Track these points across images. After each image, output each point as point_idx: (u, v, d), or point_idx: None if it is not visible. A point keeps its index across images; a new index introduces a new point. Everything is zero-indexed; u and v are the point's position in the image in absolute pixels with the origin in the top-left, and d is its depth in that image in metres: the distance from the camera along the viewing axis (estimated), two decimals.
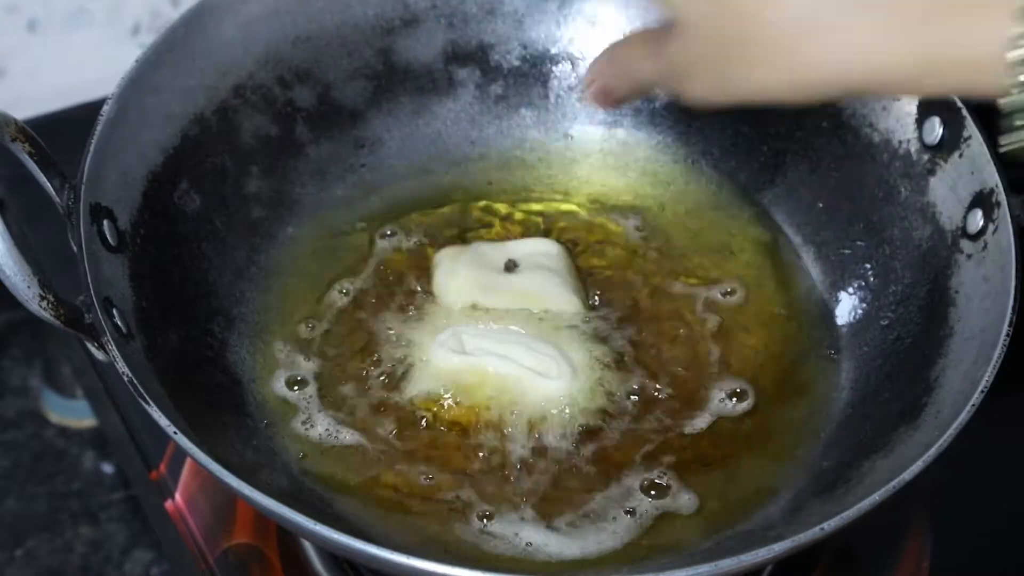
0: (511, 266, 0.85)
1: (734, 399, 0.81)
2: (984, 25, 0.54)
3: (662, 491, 0.76)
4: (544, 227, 0.89)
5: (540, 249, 0.86)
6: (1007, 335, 0.71)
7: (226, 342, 0.82)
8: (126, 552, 1.00)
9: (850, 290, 0.85)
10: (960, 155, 0.79)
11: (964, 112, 0.79)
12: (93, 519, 1.01)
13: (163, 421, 0.67)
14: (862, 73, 0.57)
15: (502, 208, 0.90)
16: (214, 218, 0.84)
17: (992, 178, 0.77)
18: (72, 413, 1.07)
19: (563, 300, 0.83)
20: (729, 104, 0.62)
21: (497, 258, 0.85)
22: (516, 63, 0.93)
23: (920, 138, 0.82)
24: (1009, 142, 0.57)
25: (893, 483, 0.66)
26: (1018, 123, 0.57)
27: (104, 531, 1.01)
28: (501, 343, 0.80)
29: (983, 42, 0.54)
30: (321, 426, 0.78)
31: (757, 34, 0.57)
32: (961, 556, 0.85)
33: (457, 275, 0.84)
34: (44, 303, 0.68)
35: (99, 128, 0.76)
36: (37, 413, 1.07)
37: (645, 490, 0.76)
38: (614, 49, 0.71)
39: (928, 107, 0.81)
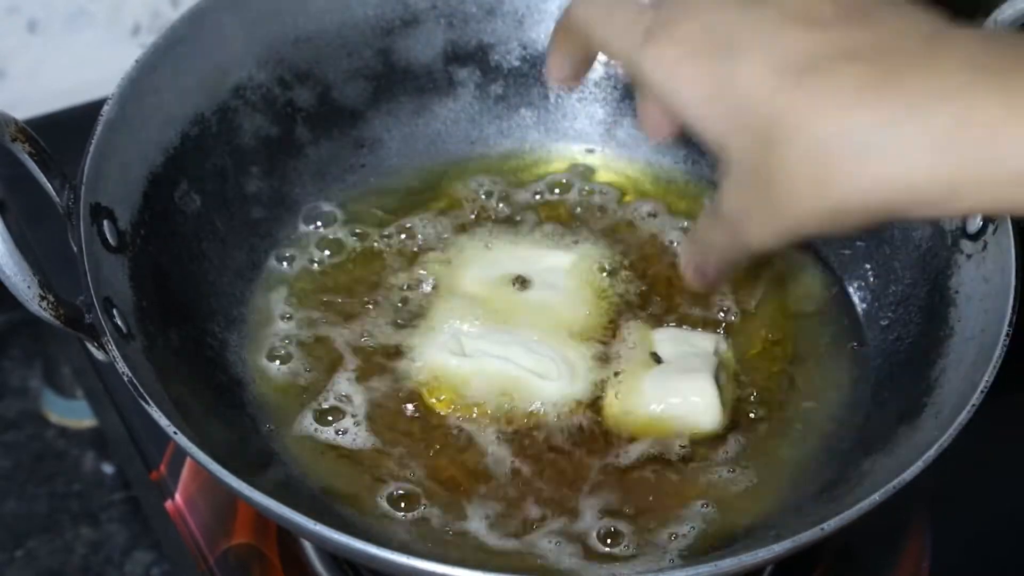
0: (523, 282, 0.85)
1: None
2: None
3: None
4: (544, 225, 0.89)
5: (555, 264, 0.86)
6: (1007, 335, 0.71)
7: (226, 342, 0.82)
8: (126, 553, 1.00)
9: (850, 290, 0.85)
10: None
11: None
12: (93, 520, 1.01)
13: (163, 421, 0.67)
14: (901, 191, 0.54)
15: (502, 208, 0.90)
16: (214, 218, 0.84)
17: None
18: (72, 413, 1.07)
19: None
20: (792, 240, 0.59)
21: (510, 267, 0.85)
22: (516, 63, 0.93)
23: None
24: None
25: (893, 483, 0.66)
26: None
27: (104, 532, 1.01)
28: (500, 344, 0.80)
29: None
30: (321, 426, 0.78)
31: (796, 161, 0.55)
32: (961, 556, 0.85)
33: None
34: (44, 303, 0.68)
35: (99, 128, 0.76)
36: (37, 414, 1.07)
37: None
38: (692, 234, 0.69)
39: None
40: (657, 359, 0.80)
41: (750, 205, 0.59)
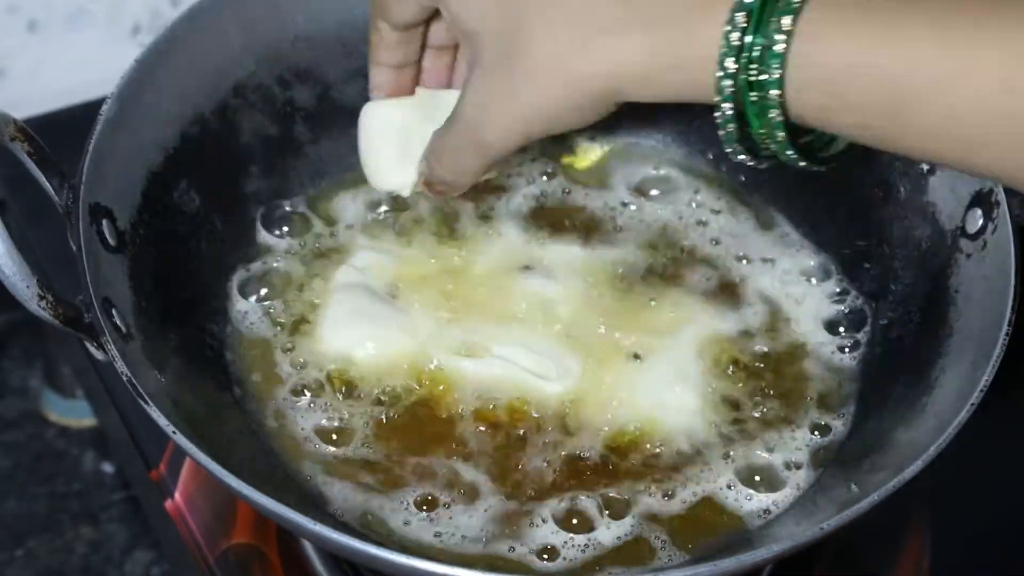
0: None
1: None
2: (702, 29, 0.61)
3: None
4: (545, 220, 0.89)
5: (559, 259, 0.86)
6: (1006, 335, 0.71)
7: (225, 342, 0.82)
8: (126, 552, 1.00)
9: (850, 290, 0.85)
10: None
11: None
12: (93, 519, 1.02)
13: (162, 421, 0.67)
14: (620, 78, 0.64)
15: (503, 202, 0.90)
16: (214, 218, 0.84)
17: None
18: (72, 413, 1.07)
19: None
20: (529, 135, 0.68)
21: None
22: None
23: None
24: (730, 151, 0.64)
25: (893, 483, 0.65)
26: (729, 128, 0.63)
27: (104, 531, 1.01)
28: (501, 344, 0.80)
29: (701, 44, 0.61)
30: (320, 426, 0.78)
31: (540, 40, 0.65)
32: (961, 555, 0.85)
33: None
34: (43, 303, 0.68)
35: (99, 128, 0.76)
36: (37, 413, 1.07)
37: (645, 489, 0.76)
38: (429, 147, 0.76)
39: None
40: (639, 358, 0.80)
41: (492, 93, 0.67)
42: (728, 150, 0.65)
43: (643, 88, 0.65)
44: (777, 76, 0.60)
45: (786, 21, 0.59)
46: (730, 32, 0.60)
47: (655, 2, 0.63)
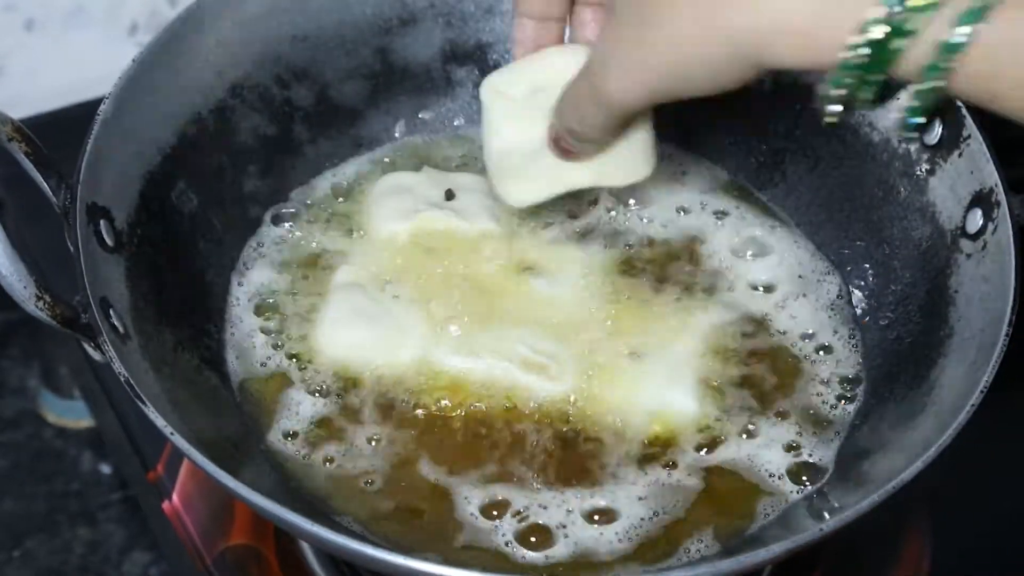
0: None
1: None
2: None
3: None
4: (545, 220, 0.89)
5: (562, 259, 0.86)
6: (1007, 334, 0.70)
7: (223, 342, 0.81)
8: (124, 553, 1.00)
9: (850, 289, 0.85)
10: (959, 154, 0.79)
11: (964, 111, 0.78)
12: (91, 520, 1.01)
13: (159, 421, 0.66)
14: (774, 35, 0.59)
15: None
16: (211, 218, 0.84)
17: (991, 177, 0.77)
18: (70, 413, 1.07)
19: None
20: (654, 92, 0.63)
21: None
22: None
23: (920, 137, 0.81)
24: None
25: (893, 483, 0.65)
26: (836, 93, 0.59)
27: (102, 531, 1.01)
28: (499, 344, 0.80)
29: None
30: (318, 426, 0.78)
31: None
32: (961, 556, 0.85)
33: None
34: (41, 303, 0.68)
35: (96, 128, 0.76)
36: (35, 414, 1.07)
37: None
38: (558, 104, 0.72)
39: None
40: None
41: (619, 38, 0.62)
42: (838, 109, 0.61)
43: (800, 51, 0.59)
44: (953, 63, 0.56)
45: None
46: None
47: None
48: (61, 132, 0.76)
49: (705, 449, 0.77)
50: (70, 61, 1.11)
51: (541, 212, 0.86)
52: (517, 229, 0.86)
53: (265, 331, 0.82)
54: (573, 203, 0.87)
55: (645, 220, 0.89)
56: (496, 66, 0.92)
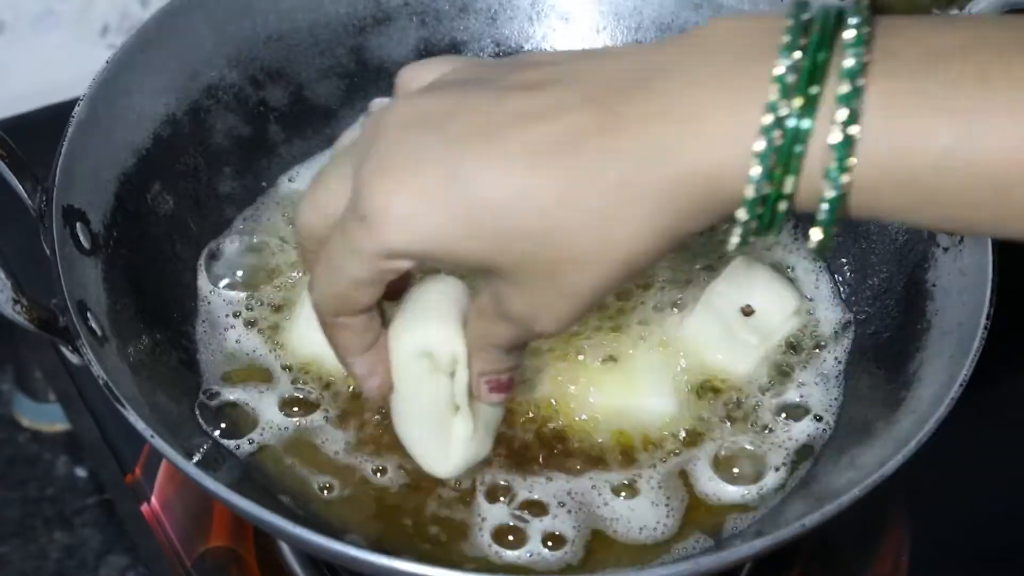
0: None
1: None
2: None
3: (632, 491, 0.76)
4: None
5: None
6: (985, 328, 0.71)
7: (200, 343, 0.81)
8: (101, 557, 1.00)
9: (829, 285, 0.85)
10: None
11: None
12: (67, 524, 1.01)
13: (139, 425, 0.66)
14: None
15: None
16: (188, 219, 0.84)
17: None
18: (44, 417, 1.06)
19: None
20: (580, 312, 0.58)
21: None
22: None
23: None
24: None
25: (872, 478, 0.66)
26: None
27: (78, 536, 1.00)
28: None
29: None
30: (297, 426, 0.78)
31: (576, 235, 0.54)
32: (940, 549, 0.85)
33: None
34: (17, 307, 0.67)
35: (70, 130, 0.75)
36: (9, 418, 1.06)
37: (616, 491, 0.76)
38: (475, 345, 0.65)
39: None
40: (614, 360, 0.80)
41: (541, 300, 0.57)
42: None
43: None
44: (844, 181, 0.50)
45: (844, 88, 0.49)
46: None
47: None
48: (33, 135, 0.75)
49: (684, 449, 0.77)
50: (41, 64, 1.11)
51: None
52: None
53: (242, 332, 0.82)
54: None
55: None
56: None
